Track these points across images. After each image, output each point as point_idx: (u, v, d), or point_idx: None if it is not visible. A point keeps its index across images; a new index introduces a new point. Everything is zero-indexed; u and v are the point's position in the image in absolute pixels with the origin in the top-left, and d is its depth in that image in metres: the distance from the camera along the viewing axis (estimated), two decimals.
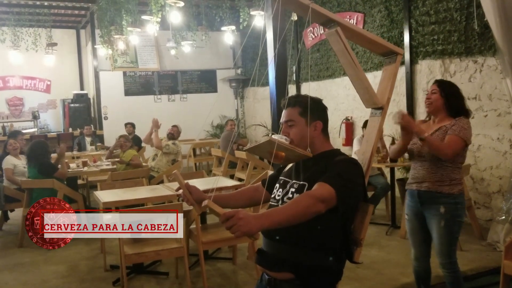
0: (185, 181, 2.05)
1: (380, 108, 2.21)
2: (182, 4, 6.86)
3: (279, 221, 1.67)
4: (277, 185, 2.11)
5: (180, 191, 2.06)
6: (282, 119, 2.07)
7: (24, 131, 10.57)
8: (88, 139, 10.03)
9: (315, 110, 2.02)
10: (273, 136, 1.94)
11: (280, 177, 2.14)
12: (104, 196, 4.54)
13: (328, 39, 2.11)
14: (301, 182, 1.98)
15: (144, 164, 7.37)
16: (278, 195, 2.05)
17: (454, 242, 3.12)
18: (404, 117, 2.96)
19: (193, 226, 4.31)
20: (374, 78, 7.20)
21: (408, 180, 3.28)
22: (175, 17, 7.29)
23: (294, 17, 7.06)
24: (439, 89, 3.15)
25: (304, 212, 1.71)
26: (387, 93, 2.22)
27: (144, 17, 7.73)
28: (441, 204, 3.03)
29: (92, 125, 11.01)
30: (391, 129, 7.21)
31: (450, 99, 3.14)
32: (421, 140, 2.98)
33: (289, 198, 1.97)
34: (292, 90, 9.87)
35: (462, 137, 3.01)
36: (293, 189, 1.99)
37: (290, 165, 2.14)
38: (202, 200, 2.04)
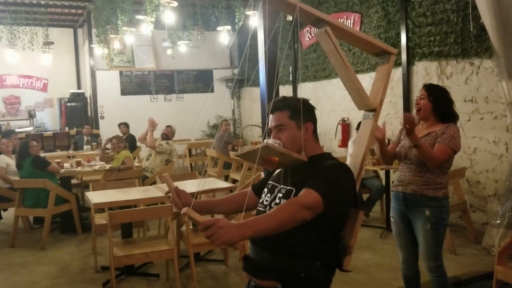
0: (175, 185, 2.01)
1: (372, 110, 2.14)
2: (175, 4, 6.82)
3: (262, 230, 1.60)
4: (265, 189, 2.06)
5: (170, 194, 2.02)
6: (271, 124, 2.01)
7: (20, 130, 10.57)
8: (86, 139, 9.98)
9: (304, 111, 1.97)
10: (266, 141, 1.89)
11: (269, 182, 2.08)
12: (95, 197, 4.49)
13: (318, 40, 2.05)
14: (289, 187, 1.93)
15: (138, 164, 7.33)
16: (266, 200, 2.00)
17: (440, 245, 3.10)
18: (411, 118, 2.91)
19: (184, 228, 4.27)
20: (371, 79, 7.13)
21: (394, 182, 3.26)
22: (169, 17, 7.25)
23: (290, 17, 7.00)
24: (427, 93, 3.15)
25: (288, 220, 1.65)
26: (380, 94, 2.15)
27: (138, 16, 7.70)
28: (426, 207, 3.03)
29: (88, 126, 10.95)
30: (388, 130, 7.16)
31: (438, 104, 3.12)
32: (415, 146, 2.97)
33: (276, 204, 1.91)
34: (288, 91, 9.83)
35: (451, 147, 3.01)
36: (280, 194, 1.94)
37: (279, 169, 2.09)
38: (189, 204, 1.99)
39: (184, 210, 1.61)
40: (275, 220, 1.62)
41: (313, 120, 2.03)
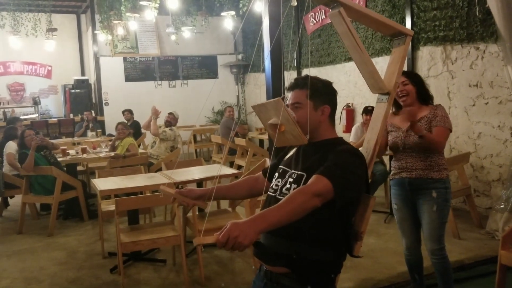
0: (174, 190, 2.04)
1: (386, 93, 2.10)
2: None
3: (275, 222, 1.60)
4: (276, 174, 2.04)
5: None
6: (289, 101, 1.98)
7: (25, 117, 10.62)
8: (91, 125, 10.00)
9: (324, 93, 1.95)
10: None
11: (280, 166, 2.06)
12: (101, 184, 4.53)
13: (331, 21, 2.01)
14: (299, 172, 1.91)
15: (143, 151, 7.35)
16: (276, 185, 1.98)
17: (444, 227, 3.15)
18: (413, 112, 3.03)
19: (190, 214, 4.31)
20: (375, 64, 7.12)
21: (393, 171, 3.28)
22: (173, 3, 7.23)
23: (294, 2, 6.95)
24: (409, 79, 3.19)
25: (299, 210, 1.65)
26: (394, 77, 2.10)
27: (142, 2, 7.67)
28: (432, 189, 3.08)
29: (92, 111, 10.99)
30: None
31: (419, 87, 3.21)
32: (420, 137, 3.03)
33: (287, 189, 1.90)
34: (292, 76, 9.77)
35: (448, 127, 3.11)
36: (291, 179, 1.92)
37: (290, 153, 2.07)
38: (199, 196, 2.04)
39: (195, 242, 1.57)
40: (286, 211, 1.62)
41: (332, 104, 1.99)
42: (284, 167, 2.03)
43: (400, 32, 2.14)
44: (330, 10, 1.95)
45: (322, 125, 1.96)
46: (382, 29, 2.20)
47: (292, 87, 1.99)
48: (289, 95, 2.00)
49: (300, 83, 1.96)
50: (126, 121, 9.11)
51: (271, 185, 2.03)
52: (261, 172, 2.23)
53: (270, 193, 2.00)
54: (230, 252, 1.53)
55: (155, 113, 7.23)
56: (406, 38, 2.14)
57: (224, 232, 1.50)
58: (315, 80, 1.97)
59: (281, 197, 1.87)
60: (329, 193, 1.71)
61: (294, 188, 1.85)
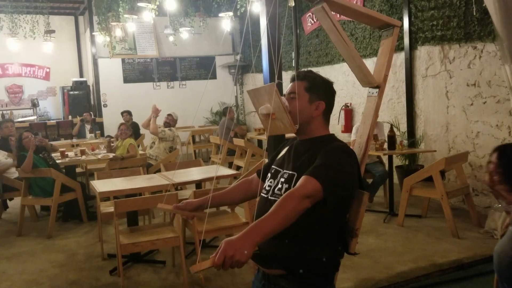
0: (172, 206, 2.07)
1: (377, 87, 2.10)
2: None
3: (269, 232, 1.60)
4: (269, 174, 2.04)
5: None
6: (286, 91, 1.99)
7: (24, 119, 10.61)
8: (87, 127, 10.00)
9: (322, 90, 1.95)
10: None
11: (272, 166, 2.06)
12: (100, 186, 4.53)
13: (316, 17, 2.02)
14: (290, 172, 1.90)
15: (142, 152, 7.36)
16: (269, 186, 1.97)
17: None
18: None
19: None
20: (374, 64, 7.13)
21: None
22: (171, 4, 7.24)
23: (292, 2, 6.96)
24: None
25: (291, 215, 1.65)
26: (383, 70, 2.09)
27: (140, 4, 7.67)
28: None
29: (91, 112, 10.98)
30: (390, 115, 7.18)
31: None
32: None
33: (279, 189, 1.89)
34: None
35: None
36: (282, 179, 1.92)
37: (283, 152, 2.07)
38: (197, 207, 2.07)
39: (192, 271, 1.55)
40: (279, 219, 1.62)
41: (328, 101, 1.98)
42: (276, 167, 2.02)
43: (387, 24, 2.14)
44: (315, 6, 1.95)
45: (314, 121, 1.95)
46: (370, 21, 2.20)
47: (293, 79, 2.00)
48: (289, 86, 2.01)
49: (301, 75, 1.97)
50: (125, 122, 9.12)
51: (264, 186, 2.03)
52: (255, 173, 2.23)
53: (263, 194, 1.99)
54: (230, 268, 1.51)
55: (155, 112, 7.23)
56: (393, 29, 2.13)
57: (219, 254, 1.48)
58: (317, 75, 1.98)
59: (273, 198, 1.88)
60: (318, 194, 1.70)
61: (286, 189, 1.85)
